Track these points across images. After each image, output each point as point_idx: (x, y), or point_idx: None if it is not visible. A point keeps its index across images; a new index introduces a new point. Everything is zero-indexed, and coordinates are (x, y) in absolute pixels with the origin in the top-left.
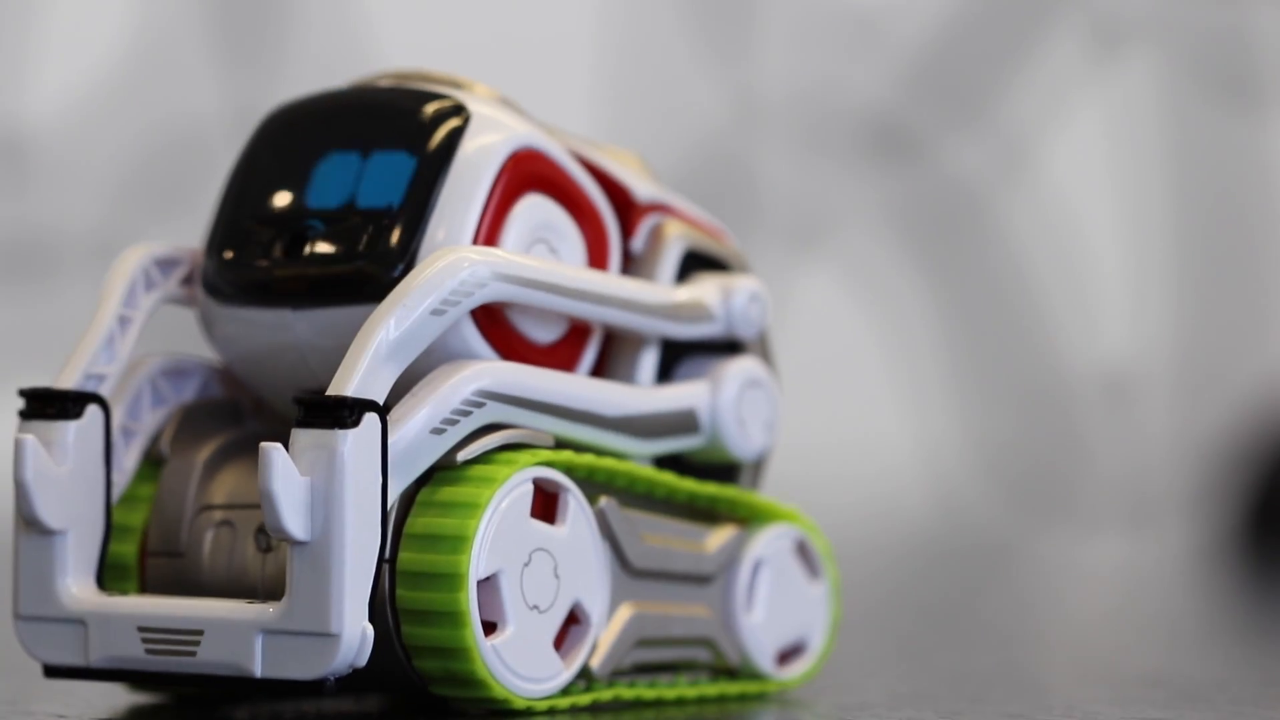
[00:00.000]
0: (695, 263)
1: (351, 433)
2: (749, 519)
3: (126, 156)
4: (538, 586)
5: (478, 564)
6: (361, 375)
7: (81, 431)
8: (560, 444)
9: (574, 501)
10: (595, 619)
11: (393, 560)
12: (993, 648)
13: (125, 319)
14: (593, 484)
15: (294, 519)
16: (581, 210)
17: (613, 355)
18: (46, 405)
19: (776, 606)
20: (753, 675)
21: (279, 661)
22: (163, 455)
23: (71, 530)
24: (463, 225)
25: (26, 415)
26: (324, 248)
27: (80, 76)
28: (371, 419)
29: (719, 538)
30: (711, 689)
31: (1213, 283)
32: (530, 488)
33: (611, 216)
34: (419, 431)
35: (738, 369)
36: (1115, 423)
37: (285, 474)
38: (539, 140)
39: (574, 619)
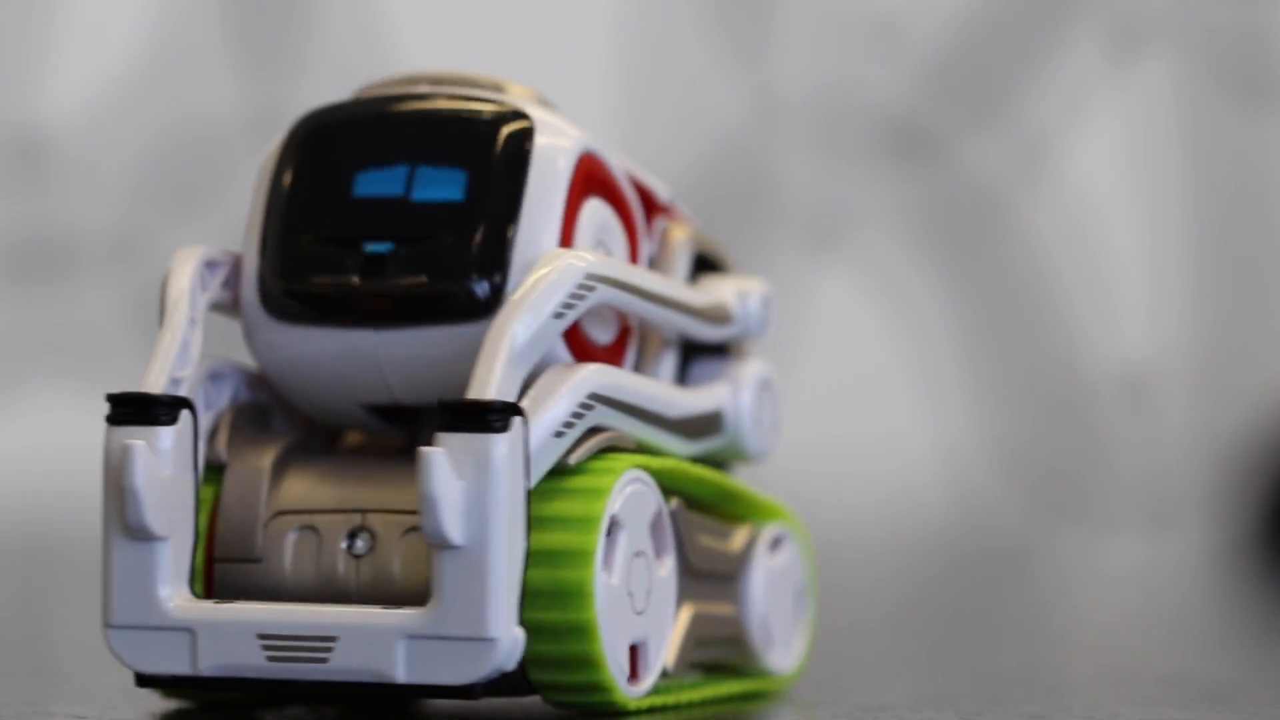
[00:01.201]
0: (698, 265)
1: (505, 437)
2: (757, 517)
3: (144, 156)
4: (638, 590)
5: (599, 576)
6: (499, 379)
7: (178, 437)
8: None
9: (660, 503)
10: (673, 618)
11: None
12: (1013, 649)
13: (193, 320)
14: (662, 485)
15: (454, 524)
16: (625, 212)
17: (641, 356)
18: (144, 410)
19: (775, 603)
20: (760, 673)
21: (424, 667)
22: (220, 460)
23: (171, 537)
24: (546, 236)
25: (119, 420)
26: (409, 266)
27: (98, 76)
28: (518, 422)
29: (741, 537)
30: (737, 687)
31: (1232, 282)
32: (636, 489)
33: (643, 218)
34: (544, 434)
35: (754, 371)
36: (1134, 423)
37: (446, 479)
38: (593, 144)
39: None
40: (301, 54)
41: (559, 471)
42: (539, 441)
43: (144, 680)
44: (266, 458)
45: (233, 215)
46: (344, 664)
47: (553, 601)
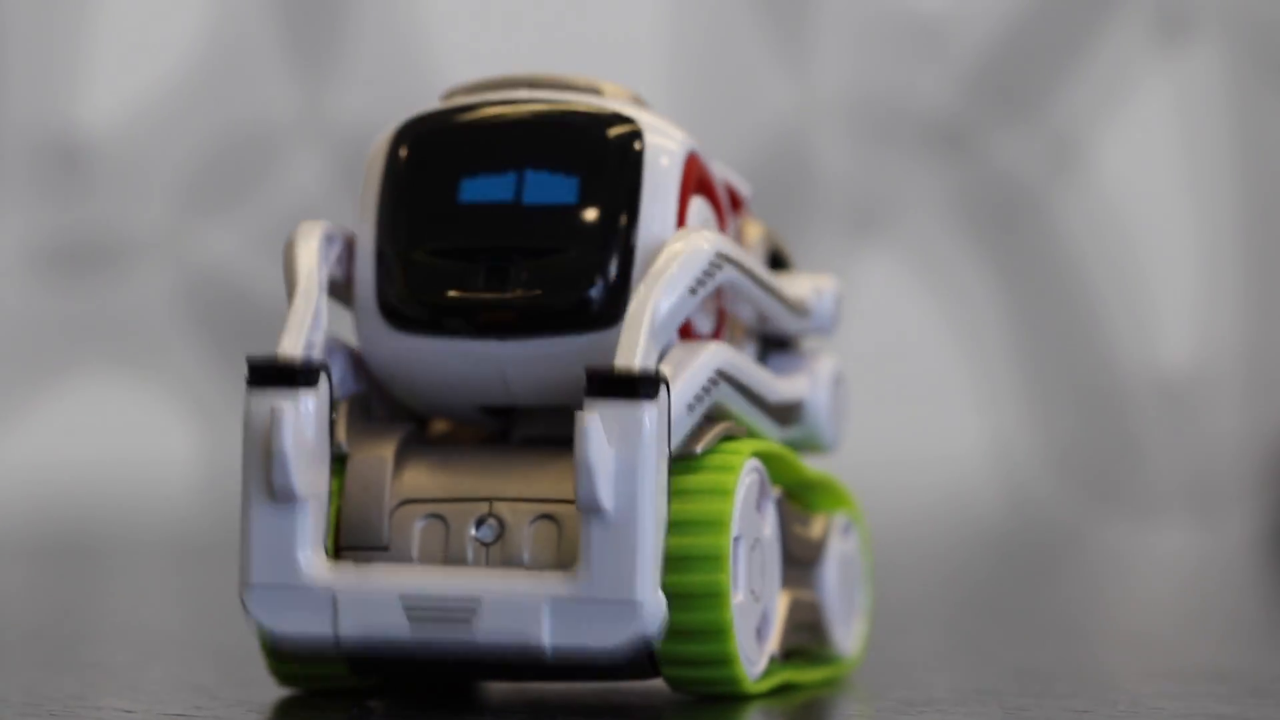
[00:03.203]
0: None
1: (654, 404)
2: (830, 505)
3: (191, 159)
4: (757, 574)
5: (734, 548)
6: (644, 349)
7: (318, 400)
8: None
9: (769, 490)
10: (778, 603)
11: None
12: (1058, 643)
13: (321, 288)
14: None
15: (606, 490)
16: (719, 210)
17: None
18: (286, 374)
19: (845, 589)
20: (830, 657)
21: (570, 631)
22: (341, 450)
23: (312, 500)
24: (662, 238)
25: (260, 384)
26: (533, 279)
27: (143, 81)
28: (664, 392)
29: (818, 525)
30: (813, 673)
31: (1278, 276)
32: (755, 478)
33: (731, 214)
34: (680, 406)
35: (830, 365)
36: (1183, 417)
37: (600, 446)
38: (694, 144)
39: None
40: (346, 57)
41: (686, 460)
42: (676, 413)
43: (283, 653)
44: (388, 448)
45: (277, 215)
46: (488, 628)
47: (688, 566)
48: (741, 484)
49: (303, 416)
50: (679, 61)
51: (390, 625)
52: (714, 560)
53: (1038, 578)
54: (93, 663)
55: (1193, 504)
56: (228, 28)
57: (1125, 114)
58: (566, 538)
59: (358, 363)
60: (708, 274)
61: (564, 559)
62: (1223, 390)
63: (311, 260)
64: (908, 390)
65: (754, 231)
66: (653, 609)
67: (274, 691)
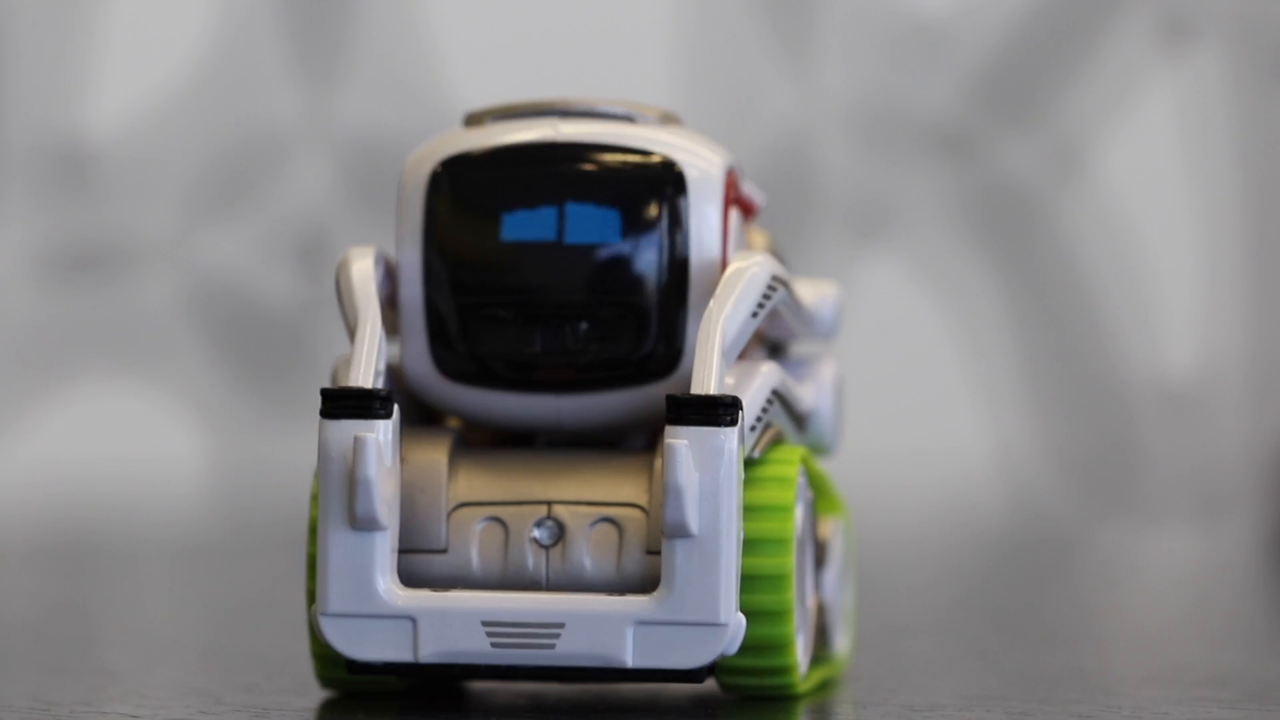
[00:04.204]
0: None
1: (735, 430)
2: (829, 510)
3: (195, 165)
4: (803, 579)
5: (798, 559)
6: (717, 374)
7: (391, 429)
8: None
9: (807, 494)
10: (811, 605)
11: None
12: (1062, 649)
13: (380, 316)
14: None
15: (693, 514)
16: (746, 219)
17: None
18: (363, 404)
19: (841, 591)
20: (826, 658)
21: (653, 652)
22: None
23: (390, 528)
24: (710, 280)
25: (336, 414)
26: (589, 336)
27: (149, 87)
28: (742, 416)
29: (826, 527)
30: (811, 677)
31: None
32: (803, 482)
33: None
34: (745, 427)
35: (831, 370)
36: (1187, 421)
37: (689, 470)
38: (730, 158)
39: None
40: (352, 63)
41: (746, 463)
42: (744, 434)
43: (358, 668)
44: (442, 450)
45: (282, 221)
46: (572, 649)
47: (754, 585)
48: (798, 484)
49: (383, 446)
50: (684, 68)
51: (472, 649)
52: (780, 543)
53: (1041, 582)
54: (98, 667)
55: (1196, 508)
56: (233, 33)
57: (1129, 119)
58: (628, 541)
59: (392, 373)
60: (766, 297)
61: (625, 563)
62: (1227, 394)
63: (369, 287)
64: (912, 395)
65: (759, 240)
66: (734, 629)
67: (279, 697)
